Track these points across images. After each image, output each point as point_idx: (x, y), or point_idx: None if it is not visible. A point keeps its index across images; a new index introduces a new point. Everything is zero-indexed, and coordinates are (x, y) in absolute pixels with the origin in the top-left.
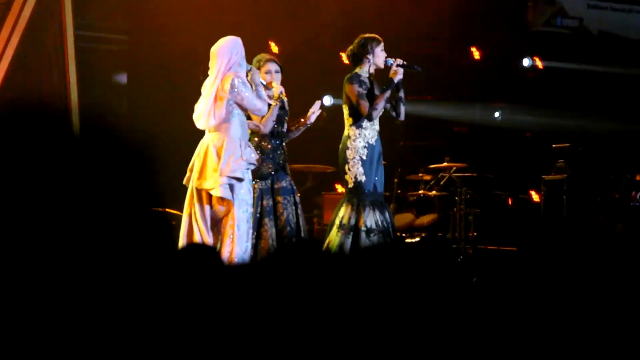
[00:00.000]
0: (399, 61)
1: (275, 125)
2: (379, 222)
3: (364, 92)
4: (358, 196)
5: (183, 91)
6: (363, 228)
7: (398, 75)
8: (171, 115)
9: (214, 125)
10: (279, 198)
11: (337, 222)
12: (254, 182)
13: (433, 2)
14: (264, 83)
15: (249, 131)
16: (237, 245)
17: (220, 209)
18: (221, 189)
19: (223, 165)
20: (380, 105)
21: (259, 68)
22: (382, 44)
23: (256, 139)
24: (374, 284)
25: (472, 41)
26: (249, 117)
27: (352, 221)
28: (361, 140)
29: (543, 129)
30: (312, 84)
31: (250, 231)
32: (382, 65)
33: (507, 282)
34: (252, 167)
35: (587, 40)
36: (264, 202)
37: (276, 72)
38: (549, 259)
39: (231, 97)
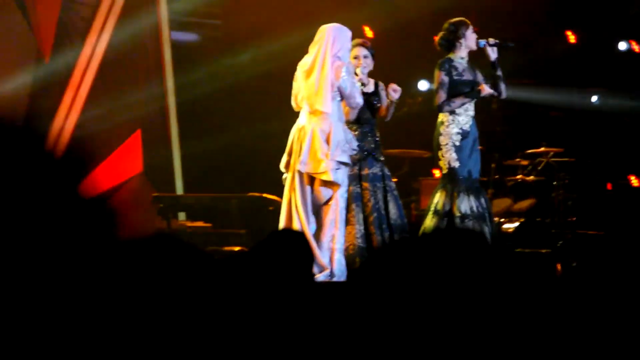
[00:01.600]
0: (492, 40)
1: (364, 111)
2: (474, 208)
3: (447, 80)
4: (452, 182)
5: (274, 77)
6: (457, 214)
7: (492, 54)
8: (264, 99)
9: (325, 109)
10: (366, 184)
11: (432, 207)
12: None
13: None
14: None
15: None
16: (339, 229)
17: (322, 193)
18: (332, 173)
19: (333, 149)
20: (456, 104)
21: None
22: (471, 26)
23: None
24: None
25: (568, 25)
26: None
27: (447, 207)
28: (454, 126)
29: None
30: (408, 69)
31: (346, 215)
32: (475, 47)
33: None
34: (354, 152)
35: None
36: (351, 188)
37: (365, 57)
38: None
39: (340, 85)
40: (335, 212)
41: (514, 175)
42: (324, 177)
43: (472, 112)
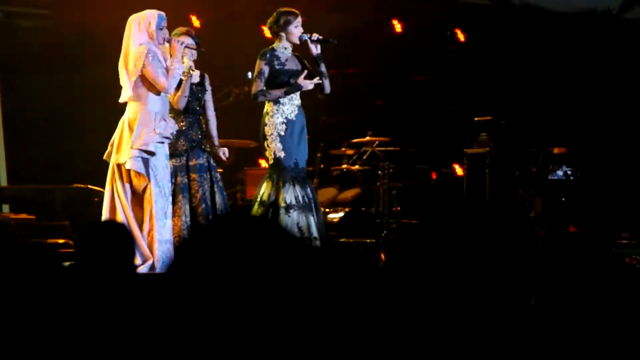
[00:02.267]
0: (315, 36)
1: (190, 102)
2: (299, 198)
3: (267, 70)
4: (278, 172)
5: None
6: (282, 204)
7: (315, 49)
8: (95, 89)
9: (130, 97)
10: (194, 175)
11: (258, 198)
12: (170, 160)
13: None
14: (192, 44)
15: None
16: (156, 220)
17: (135, 184)
18: (131, 161)
19: (135, 137)
20: (272, 95)
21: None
22: (298, 19)
23: (172, 115)
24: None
25: (394, 13)
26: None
27: (272, 197)
28: (279, 116)
29: (465, 102)
30: (235, 58)
31: (170, 207)
32: (297, 42)
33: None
34: (167, 140)
35: (510, 13)
36: (178, 179)
37: (189, 45)
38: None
39: (141, 70)
40: (149, 203)
41: (339, 165)
42: (126, 166)
43: (297, 102)
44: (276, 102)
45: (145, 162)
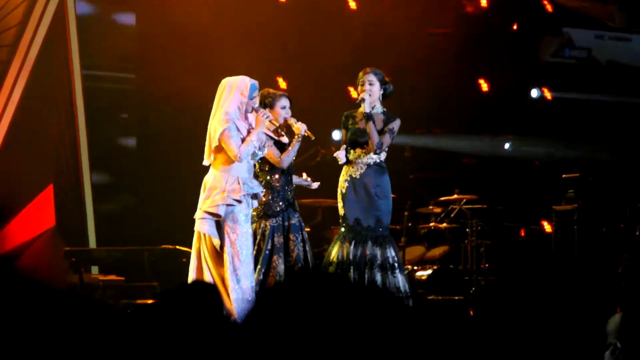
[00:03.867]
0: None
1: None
2: (350, 255)
3: (344, 133)
4: (342, 230)
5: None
6: (334, 260)
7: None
8: (179, 151)
9: (206, 162)
10: (291, 235)
11: (326, 255)
12: (266, 220)
13: (440, 37)
14: (271, 118)
15: (265, 166)
16: (231, 282)
17: (214, 246)
18: (199, 222)
19: (202, 199)
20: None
21: (273, 104)
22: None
23: (267, 176)
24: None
25: (480, 73)
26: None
27: (339, 255)
28: (344, 174)
29: (553, 159)
30: (321, 119)
31: (247, 269)
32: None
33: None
34: (236, 203)
35: (596, 70)
36: (275, 240)
37: (284, 107)
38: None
39: (218, 138)
40: (225, 263)
41: (427, 223)
42: (195, 228)
43: (368, 160)
44: (347, 162)
45: (218, 225)
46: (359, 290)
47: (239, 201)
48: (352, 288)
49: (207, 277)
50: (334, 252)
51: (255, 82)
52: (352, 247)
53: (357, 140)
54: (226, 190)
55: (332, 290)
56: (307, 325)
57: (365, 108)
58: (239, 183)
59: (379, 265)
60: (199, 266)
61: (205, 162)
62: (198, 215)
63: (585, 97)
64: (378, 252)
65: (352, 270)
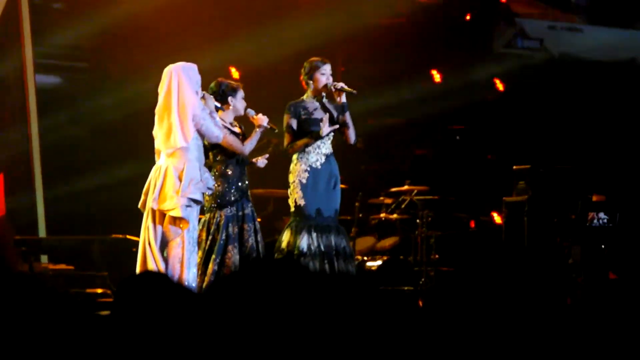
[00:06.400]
0: (338, 85)
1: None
2: (312, 246)
3: (293, 122)
4: (297, 219)
5: (139, 118)
6: (295, 252)
7: (338, 98)
8: (130, 141)
9: (180, 147)
10: (245, 225)
11: (277, 245)
12: (220, 210)
13: (394, 25)
14: (218, 106)
15: (220, 156)
16: (185, 268)
17: (171, 231)
18: (182, 209)
19: (185, 187)
20: (298, 147)
21: (234, 94)
22: (325, 66)
23: (221, 166)
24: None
25: (433, 64)
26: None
27: (291, 245)
28: (302, 164)
29: (504, 151)
30: (273, 109)
31: (195, 257)
32: (323, 89)
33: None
34: (210, 192)
35: (548, 61)
36: (229, 230)
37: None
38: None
39: (199, 123)
40: (181, 249)
41: (377, 214)
42: (173, 214)
43: (326, 150)
44: (302, 150)
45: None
46: (333, 280)
47: (211, 189)
48: (322, 278)
49: (151, 265)
50: (285, 242)
51: (195, 66)
52: (316, 237)
53: (313, 131)
54: (202, 179)
55: (296, 280)
56: (266, 316)
57: (343, 98)
58: (207, 172)
59: (350, 254)
60: (142, 255)
61: (169, 147)
62: (176, 202)
63: (537, 88)
64: (342, 242)
65: (321, 261)
